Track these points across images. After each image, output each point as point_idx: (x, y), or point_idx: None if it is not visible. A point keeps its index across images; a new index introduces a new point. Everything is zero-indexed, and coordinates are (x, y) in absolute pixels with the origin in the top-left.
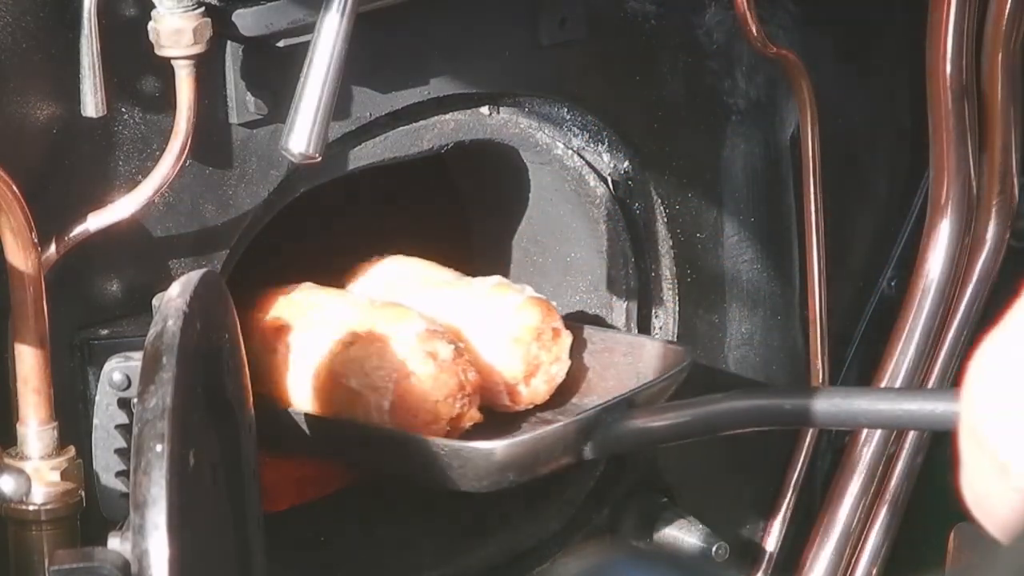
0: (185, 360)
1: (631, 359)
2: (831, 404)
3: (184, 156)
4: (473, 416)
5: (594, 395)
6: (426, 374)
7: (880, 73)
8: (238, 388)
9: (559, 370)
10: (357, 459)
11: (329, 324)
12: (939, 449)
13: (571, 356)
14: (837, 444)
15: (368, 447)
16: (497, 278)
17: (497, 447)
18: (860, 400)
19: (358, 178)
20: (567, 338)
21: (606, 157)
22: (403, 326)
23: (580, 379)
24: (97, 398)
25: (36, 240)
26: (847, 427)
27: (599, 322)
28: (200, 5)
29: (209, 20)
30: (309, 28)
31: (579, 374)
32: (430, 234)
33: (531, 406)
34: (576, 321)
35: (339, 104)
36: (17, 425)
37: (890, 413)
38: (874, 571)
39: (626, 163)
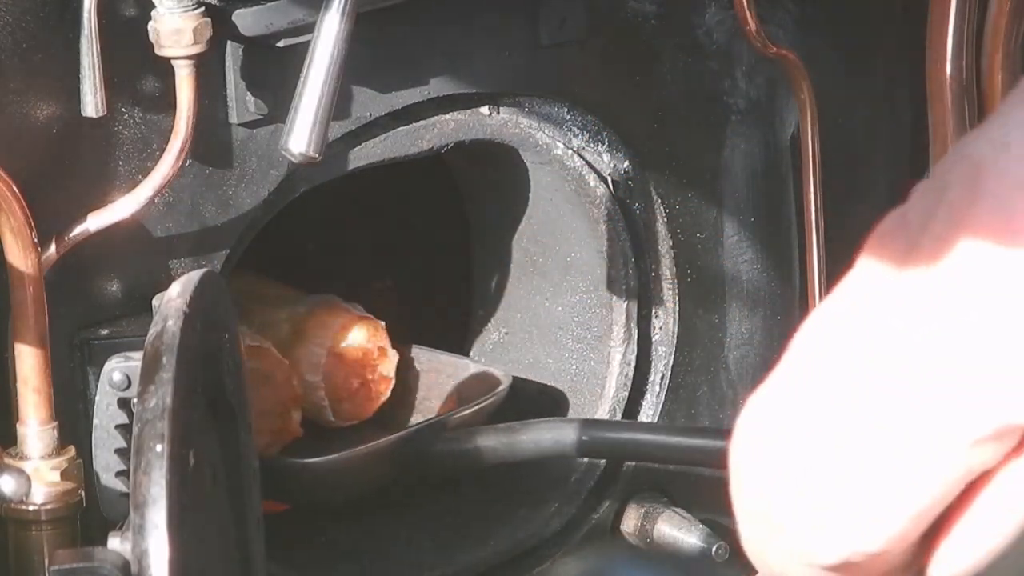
0: (185, 360)
1: (454, 381)
2: (628, 439)
3: (184, 156)
4: (294, 431)
5: (417, 414)
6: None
7: (880, 73)
8: (238, 388)
9: (384, 388)
10: None
11: None
12: None
13: (397, 375)
14: None
15: None
16: (329, 296)
17: (308, 464)
18: (652, 436)
19: (357, 178)
20: (393, 357)
21: (606, 157)
22: None
23: (405, 398)
24: (97, 398)
25: (36, 240)
26: (643, 461)
27: (598, 322)
28: (200, 5)
29: (209, 20)
30: (309, 28)
31: (404, 393)
32: (430, 234)
33: (355, 422)
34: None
35: (339, 104)
36: (17, 425)
37: (679, 448)
38: None
39: (626, 163)
